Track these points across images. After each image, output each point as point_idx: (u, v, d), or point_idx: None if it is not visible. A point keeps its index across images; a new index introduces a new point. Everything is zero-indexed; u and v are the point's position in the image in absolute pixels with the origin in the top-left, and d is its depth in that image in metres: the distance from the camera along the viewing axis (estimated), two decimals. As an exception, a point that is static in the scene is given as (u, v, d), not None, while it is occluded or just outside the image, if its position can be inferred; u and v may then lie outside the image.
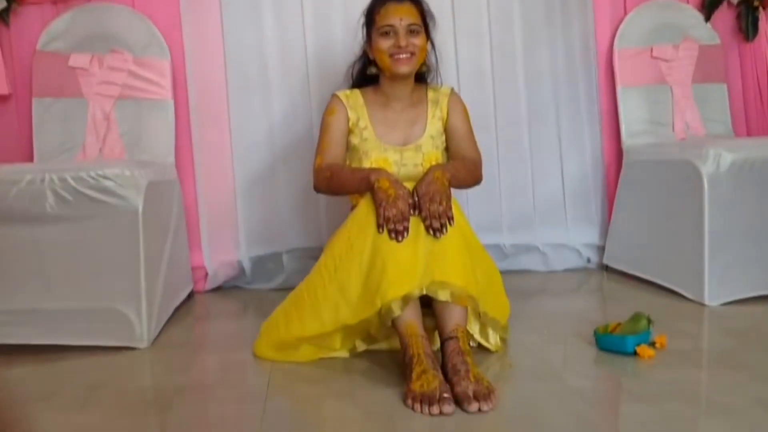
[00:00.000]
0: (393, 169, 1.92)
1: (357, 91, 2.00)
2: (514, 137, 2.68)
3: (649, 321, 1.75)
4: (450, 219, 1.64)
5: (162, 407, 1.50)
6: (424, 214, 1.63)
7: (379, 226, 1.62)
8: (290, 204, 2.58)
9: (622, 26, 2.64)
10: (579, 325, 1.98)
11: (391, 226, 1.61)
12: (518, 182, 2.70)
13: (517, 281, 2.59)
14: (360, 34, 2.01)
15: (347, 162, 1.97)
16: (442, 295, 1.56)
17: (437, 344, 1.66)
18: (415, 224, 1.63)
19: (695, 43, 2.66)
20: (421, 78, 2.01)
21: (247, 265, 2.57)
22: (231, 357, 1.82)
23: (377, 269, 1.60)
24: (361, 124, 1.95)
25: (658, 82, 2.64)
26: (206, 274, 2.55)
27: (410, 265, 1.59)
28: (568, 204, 2.73)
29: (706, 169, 2.14)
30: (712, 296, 2.12)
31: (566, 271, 2.73)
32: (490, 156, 2.62)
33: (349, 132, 1.95)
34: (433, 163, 1.94)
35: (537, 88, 2.67)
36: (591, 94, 2.69)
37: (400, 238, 1.60)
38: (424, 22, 1.91)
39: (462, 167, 1.83)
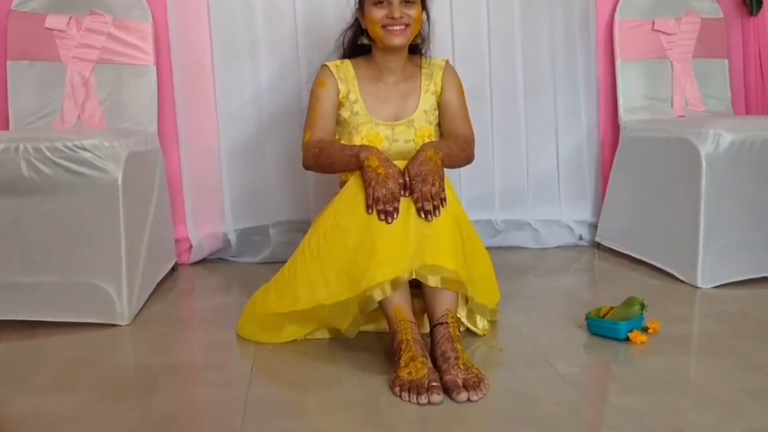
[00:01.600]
0: (384, 145, 1.85)
1: (348, 62, 1.91)
2: (510, 109, 2.61)
3: (642, 306, 1.71)
4: (443, 200, 1.58)
5: (142, 390, 1.45)
6: (415, 195, 1.57)
7: (368, 207, 1.56)
8: (277, 175, 2.51)
9: (624, -3, 2.56)
10: (570, 306, 1.96)
11: (381, 207, 1.55)
12: (512, 156, 2.64)
13: (508, 258, 2.56)
14: (352, 0, 1.91)
15: (336, 137, 1.90)
16: (432, 281, 1.51)
17: (426, 327, 1.62)
18: (405, 205, 1.57)
19: (697, 17, 2.58)
20: (414, 49, 1.93)
21: (232, 238, 2.51)
22: (214, 336, 1.77)
23: (365, 251, 1.54)
24: (352, 97, 1.87)
25: (658, 57, 2.57)
26: (190, 247, 2.49)
27: (400, 248, 1.53)
28: (561, 180, 2.68)
29: (705, 149, 2.09)
30: (705, 279, 2.09)
31: (558, 248, 2.69)
32: (485, 128, 2.56)
33: (339, 105, 1.88)
34: (426, 138, 1.87)
35: (534, 59, 2.59)
36: (589, 67, 2.62)
37: (389, 220, 1.55)
38: (420, -10, 1.82)
39: (455, 145, 1.76)
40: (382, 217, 1.55)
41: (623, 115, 2.54)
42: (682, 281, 2.14)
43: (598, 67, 2.62)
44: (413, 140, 1.87)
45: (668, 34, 2.55)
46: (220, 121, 2.44)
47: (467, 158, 1.83)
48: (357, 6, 1.88)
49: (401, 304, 1.52)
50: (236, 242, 2.53)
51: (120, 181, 1.80)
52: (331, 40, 2.39)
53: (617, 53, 2.54)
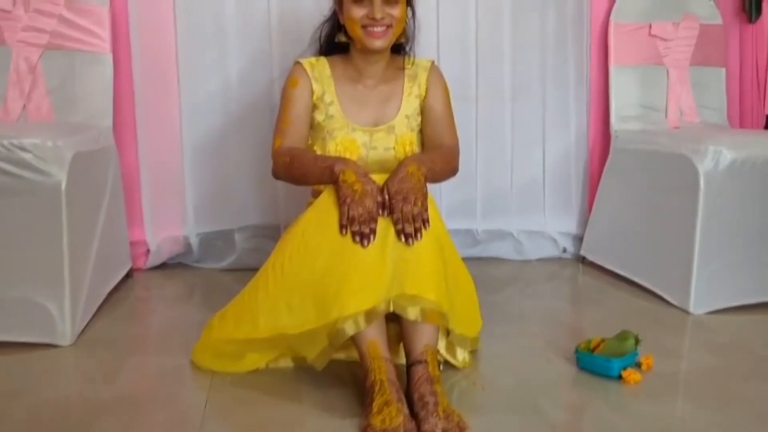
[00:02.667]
0: (361, 153, 1.68)
1: (324, 60, 1.73)
2: (495, 111, 2.46)
3: (637, 341, 1.58)
4: (425, 222, 1.41)
5: (78, 427, 1.27)
6: (395, 215, 1.40)
7: (341, 227, 1.39)
8: (245, 175, 2.32)
9: (619, -3, 2.41)
10: (556, 331, 1.83)
11: (356, 228, 1.38)
12: (496, 161, 2.49)
13: (489, 270, 2.42)
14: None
15: (309, 142, 1.72)
16: (412, 313, 1.35)
17: (402, 358, 1.47)
18: (383, 227, 1.40)
19: (696, 22, 2.45)
20: (398, 48, 1.75)
21: (194, 242, 2.33)
22: (167, 361, 1.59)
23: (336, 276, 1.38)
24: (327, 98, 1.69)
25: (653, 63, 2.42)
26: (148, 251, 2.29)
27: (376, 274, 1.37)
28: (547, 188, 2.55)
29: (704, 167, 1.96)
30: (698, 304, 1.97)
31: (540, 260, 2.55)
32: (468, 130, 2.41)
33: (313, 107, 1.70)
34: (407, 146, 1.71)
35: (523, 59, 2.44)
36: (581, 71, 2.47)
37: (365, 243, 1.38)
38: (404, -15, 1.64)
39: (439, 159, 1.59)
40: (357, 239, 1.38)
41: (615, 124, 2.40)
42: (672, 305, 2.02)
43: (590, 71, 2.47)
44: (393, 148, 1.70)
45: (665, 39, 2.41)
46: (183, 114, 2.24)
47: (452, 172, 1.67)
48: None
49: (375, 338, 1.36)
50: (198, 247, 2.34)
51: (64, 186, 1.60)
52: (308, 30, 2.19)
53: (611, 58, 2.40)
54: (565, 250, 2.57)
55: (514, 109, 2.46)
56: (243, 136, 2.29)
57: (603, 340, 1.61)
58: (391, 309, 1.34)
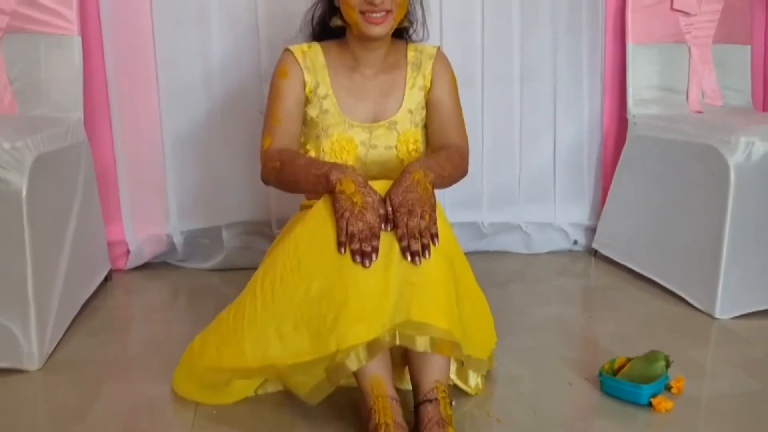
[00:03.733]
0: (359, 152, 1.50)
1: (317, 46, 1.53)
2: (503, 96, 2.27)
3: (667, 363, 1.42)
4: (434, 237, 1.24)
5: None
6: (400, 231, 1.23)
7: (339, 245, 1.22)
8: (232, 167, 2.14)
9: (640, -31, 2.20)
10: (573, 346, 1.68)
11: (356, 246, 1.21)
12: (504, 150, 2.32)
13: (495, 265, 2.27)
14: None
15: (302, 140, 1.54)
16: (420, 344, 1.19)
17: (406, 382, 1.31)
18: (387, 243, 1.23)
19: (721, -6, 2.25)
20: (399, 32, 1.55)
21: (178, 241, 2.15)
22: (146, 390, 1.42)
23: (334, 302, 1.21)
24: (321, 91, 1.50)
25: (674, 41, 2.23)
26: (128, 250, 2.12)
27: (379, 299, 1.20)
28: (558, 177, 2.37)
29: (734, 160, 1.79)
30: (724, 309, 1.82)
31: (550, 253, 2.40)
32: (474, 118, 2.23)
33: (306, 101, 1.51)
34: (410, 144, 1.53)
35: (533, 38, 2.24)
36: (595, 50, 2.28)
37: (367, 263, 1.21)
38: (409, -39, 1.44)
39: (448, 162, 1.41)
40: (358, 259, 1.21)
41: (632, 109, 2.21)
42: (695, 308, 1.87)
43: (605, 51, 2.28)
44: (395, 146, 1.52)
45: (688, 14, 2.22)
46: (162, 103, 2.04)
47: (461, 175, 1.48)
48: (328, -23, 1.50)
49: (379, 374, 1.20)
50: (183, 246, 2.17)
51: (24, 194, 1.42)
52: (297, 10, 1.99)
53: (629, 35, 2.20)
54: (576, 242, 2.42)
55: (522, 93, 2.28)
56: (229, 126, 2.10)
57: (628, 360, 1.46)
58: (398, 342, 1.18)
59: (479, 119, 2.26)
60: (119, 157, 2.04)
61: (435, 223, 1.25)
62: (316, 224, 1.26)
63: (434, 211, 1.26)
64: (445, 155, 1.42)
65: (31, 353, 1.47)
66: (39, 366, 1.48)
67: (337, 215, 1.23)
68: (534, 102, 2.29)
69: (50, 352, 1.54)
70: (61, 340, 1.61)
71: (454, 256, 1.31)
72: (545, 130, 2.32)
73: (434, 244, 1.24)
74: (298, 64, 1.50)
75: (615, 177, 2.26)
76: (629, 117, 2.22)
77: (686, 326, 1.78)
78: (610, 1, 2.24)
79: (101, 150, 2.00)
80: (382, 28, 1.42)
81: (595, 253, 2.34)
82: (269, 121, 1.47)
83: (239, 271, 2.15)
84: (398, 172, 1.55)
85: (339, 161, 1.50)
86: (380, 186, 1.29)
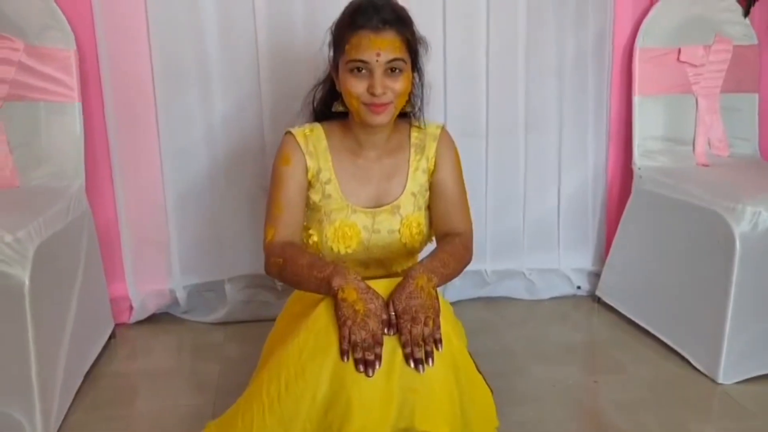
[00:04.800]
0: (362, 237, 1.49)
1: (319, 128, 1.52)
2: (508, 146, 2.26)
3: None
4: (437, 343, 1.24)
5: None
6: (404, 338, 1.22)
7: (342, 353, 1.21)
8: (234, 222, 2.13)
9: (646, 20, 2.17)
10: (576, 416, 1.69)
11: (359, 355, 1.20)
12: (508, 200, 2.30)
13: (497, 313, 2.27)
14: (325, 50, 1.50)
15: (305, 224, 1.53)
16: (422, 453, 1.19)
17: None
18: (390, 348, 1.22)
19: (729, 43, 2.21)
20: (403, 113, 1.53)
21: (181, 296, 2.15)
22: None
23: (339, 408, 1.20)
24: (324, 176, 1.49)
25: (682, 92, 2.21)
26: (131, 306, 2.12)
27: (381, 408, 1.20)
28: (562, 225, 2.36)
29: (740, 229, 1.77)
30: (728, 374, 1.81)
31: (552, 299, 2.39)
32: (478, 168, 2.23)
33: (308, 186, 1.50)
34: (414, 228, 1.52)
35: (539, 89, 2.22)
36: (601, 101, 2.25)
37: (370, 372, 1.20)
38: (411, 51, 1.42)
39: (451, 258, 1.40)
40: (361, 368, 1.20)
41: (638, 161, 2.20)
42: (698, 370, 1.87)
43: (610, 101, 2.26)
44: (398, 230, 1.51)
45: (695, 65, 2.19)
46: (164, 162, 2.03)
47: (465, 266, 1.47)
48: (330, 60, 1.48)
49: (383, 486, 1.20)
50: (186, 300, 2.17)
51: (27, 286, 1.41)
52: (299, 68, 2.00)
53: (635, 87, 2.17)
54: (579, 288, 2.41)
55: (527, 143, 2.26)
56: (231, 183, 2.09)
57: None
58: (401, 453, 1.18)
59: (483, 170, 2.25)
60: (121, 215, 2.04)
61: (438, 328, 1.25)
62: (319, 331, 1.25)
63: (438, 316, 1.26)
64: (449, 251, 1.41)
65: (36, 439, 1.48)
66: (44, 451, 1.49)
67: (340, 322, 1.23)
68: (539, 153, 2.27)
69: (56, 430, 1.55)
70: (66, 416, 1.62)
71: (458, 357, 1.30)
72: (550, 181, 2.30)
73: (437, 350, 1.24)
74: (300, 149, 1.48)
75: (620, 228, 2.25)
76: (635, 169, 2.20)
77: (690, 393, 1.78)
78: (617, 52, 2.21)
79: (103, 210, 2.00)
80: (383, 117, 1.41)
81: (598, 300, 2.34)
82: (272, 210, 1.46)
83: (242, 325, 2.17)
84: (401, 256, 1.57)
85: (342, 246, 1.49)
86: (383, 287, 1.29)
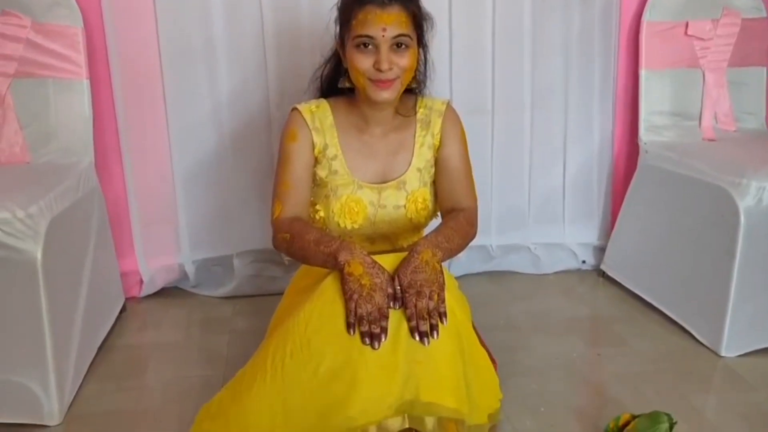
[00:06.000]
0: (368, 212, 1.51)
1: (325, 104, 1.53)
2: (514, 123, 2.26)
3: (671, 424, 1.45)
4: (442, 316, 1.26)
5: None
6: (409, 311, 1.25)
7: (348, 326, 1.24)
8: (242, 198, 2.15)
9: (654, -8, 2.16)
10: (578, 389, 1.72)
11: (365, 328, 1.23)
12: (514, 175, 2.31)
13: (502, 287, 2.30)
14: (331, 27, 1.51)
15: (312, 199, 1.54)
16: (429, 424, 1.22)
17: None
18: (396, 321, 1.25)
19: (738, 16, 2.20)
20: (409, 88, 1.54)
21: (190, 270, 2.18)
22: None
23: (343, 381, 1.23)
24: (330, 152, 1.51)
25: (689, 66, 2.20)
26: (141, 280, 2.15)
27: (387, 379, 1.23)
28: (567, 199, 2.37)
29: (744, 203, 1.78)
30: (730, 347, 1.83)
31: (557, 273, 2.41)
32: (484, 144, 2.24)
33: (315, 162, 1.51)
34: (419, 203, 1.54)
35: (545, 63, 2.21)
36: (607, 75, 2.25)
37: (376, 345, 1.23)
38: (417, 27, 1.42)
39: (455, 233, 1.41)
40: (367, 341, 1.23)
41: (644, 136, 2.20)
42: (701, 343, 1.89)
43: (617, 76, 2.25)
44: (404, 206, 1.53)
45: (703, 39, 2.18)
46: (172, 139, 2.04)
47: (470, 241, 1.49)
48: (337, 37, 1.49)
49: (388, 454, 1.23)
50: (195, 274, 2.20)
51: (39, 261, 1.44)
52: (305, 43, 2.01)
53: (642, 61, 2.17)
54: (584, 262, 2.43)
55: (534, 120, 2.26)
56: (238, 159, 2.11)
57: (633, 417, 1.49)
58: (407, 425, 1.21)
59: (489, 146, 2.25)
60: (130, 192, 2.06)
61: (443, 302, 1.27)
62: (325, 304, 1.28)
63: (442, 290, 1.28)
64: (453, 226, 1.43)
65: (51, 410, 1.51)
66: (59, 421, 1.53)
67: (346, 296, 1.25)
68: (545, 127, 2.27)
69: (70, 403, 1.59)
70: (80, 387, 1.66)
71: (462, 329, 1.32)
72: (555, 156, 2.31)
73: (442, 323, 1.26)
74: (307, 125, 1.50)
75: (625, 202, 2.26)
76: (641, 144, 2.20)
77: (692, 366, 1.80)
78: (623, 26, 2.20)
79: (113, 186, 2.02)
80: (389, 93, 1.42)
81: (603, 274, 2.36)
82: (279, 186, 1.48)
83: (250, 299, 2.20)
84: (407, 231, 1.59)
85: (349, 221, 1.51)
86: (388, 261, 1.31)
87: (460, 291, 1.50)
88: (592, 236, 2.42)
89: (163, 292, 2.23)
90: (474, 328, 1.47)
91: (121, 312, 2.06)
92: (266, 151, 2.09)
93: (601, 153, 2.33)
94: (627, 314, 2.11)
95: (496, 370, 1.51)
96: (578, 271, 2.43)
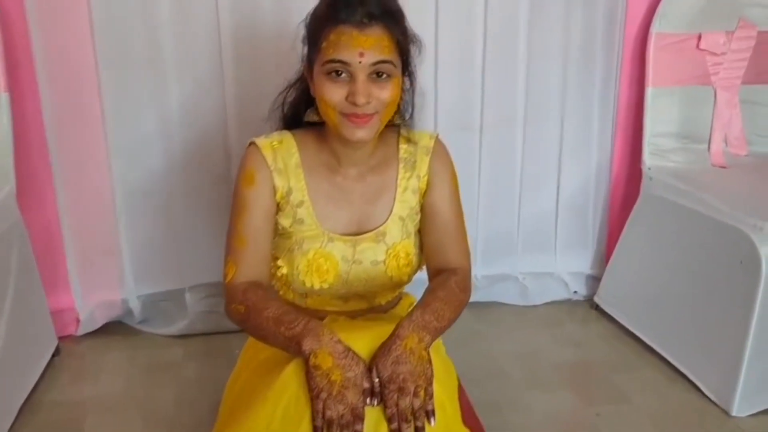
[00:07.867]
0: (340, 269, 1.26)
1: (290, 138, 1.26)
2: (505, 140, 2.03)
3: None
4: (429, 416, 1.03)
5: None
6: (390, 411, 1.01)
7: (315, 430, 1.00)
8: (193, 224, 1.90)
9: (664, 0, 1.92)
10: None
11: (335, 434, 0.99)
12: (502, 198, 2.09)
13: (486, 321, 2.08)
14: (298, 46, 1.24)
15: (273, 252, 1.28)
16: None
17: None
18: (373, 421, 1.01)
19: (754, 29, 1.98)
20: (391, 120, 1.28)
21: (135, 306, 1.92)
22: None
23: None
24: (295, 198, 1.24)
25: (699, 83, 1.98)
26: (78, 318, 1.88)
27: (362, 494, 1.00)
28: (560, 224, 2.16)
29: (766, 250, 1.57)
30: (742, 407, 1.64)
31: (546, 305, 2.20)
32: (470, 163, 2.02)
33: (277, 208, 1.25)
34: (402, 258, 1.28)
35: (540, 77, 1.99)
36: (608, 92, 2.03)
37: (349, 454, 0.99)
38: (402, 52, 1.16)
39: (446, 307, 1.16)
40: (338, 449, 0.99)
41: (648, 160, 1.98)
42: (708, 398, 1.70)
43: (619, 92, 2.02)
44: (383, 261, 1.28)
45: (716, 54, 1.95)
46: (113, 159, 1.77)
47: (461, 311, 1.25)
48: (303, 59, 1.22)
49: None
50: (141, 310, 1.93)
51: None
52: (268, 49, 1.74)
53: (649, 77, 1.94)
54: (575, 292, 2.22)
55: (525, 136, 2.03)
56: (191, 179, 1.85)
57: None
58: None
59: (476, 165, 2.03)
60: (64, 220, 1.78)
61: (431, 398, 1.04)
62: (290, 401, 1.03)
63: (430, 384, 1.04)
64: (443, 297, 1.18)
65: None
66: None
67: (312, 394, 1.01)
68: (538, 146, 2.05)
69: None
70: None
71: (452, 425, 1.09)
72: (548, 177, 2.09)
73: (429, 423, 1.03)
74: (267, 165, 1.23)
75: (625, 231, 2.05)
76: (644, 169, 1.98)
77: (697, 423, 1.62)
78: (629, 37, 1.97)
79: (44, 214, 1.75)
80: (366, 132, 1.16)
81: (595, 307, 2.15)
82: (233, 242, 1.22)
83: (204, 337, 1.94)
84: (386, 289, 1.34)
85: (317, 281, 1.26)
86: (365, 344, 1.07)
87: (447, 355, 1.27)
88: (584, 265, 2.22)
89: (105, 329, 1.95)
90: (461, 393, 1.24)
91: (54, 356, 1.79)
92: (223, 171, 1.84)
93: (599, 176, 2.11)
94: (623, 358, 1.91)
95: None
96: (568, 301, 2.23)
